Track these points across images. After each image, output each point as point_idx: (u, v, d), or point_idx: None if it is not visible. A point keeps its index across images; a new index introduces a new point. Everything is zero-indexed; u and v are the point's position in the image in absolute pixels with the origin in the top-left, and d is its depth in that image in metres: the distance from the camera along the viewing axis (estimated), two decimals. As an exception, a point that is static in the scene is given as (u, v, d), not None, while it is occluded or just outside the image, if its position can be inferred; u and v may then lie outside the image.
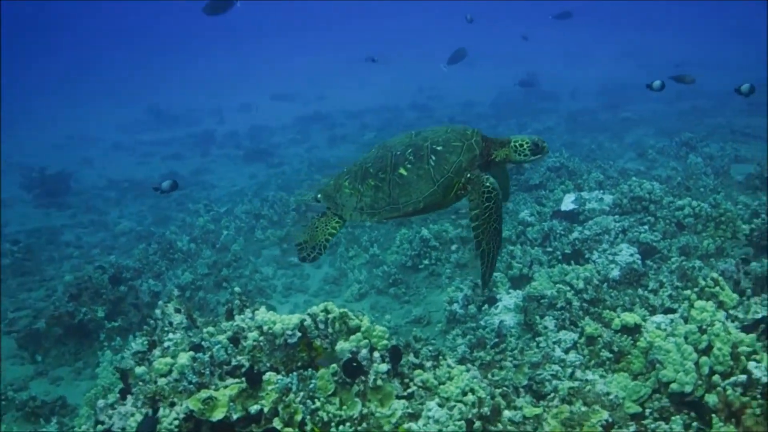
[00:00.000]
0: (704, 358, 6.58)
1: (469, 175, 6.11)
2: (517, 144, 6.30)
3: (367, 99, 41.66)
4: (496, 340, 8.49)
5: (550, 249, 11.48)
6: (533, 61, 46.47)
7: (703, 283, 7.87)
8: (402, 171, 6.16)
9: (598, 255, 10.79)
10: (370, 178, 6.32)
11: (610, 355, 7.70)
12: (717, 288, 7.80)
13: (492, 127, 30.33)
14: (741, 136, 22.91)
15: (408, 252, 13.98)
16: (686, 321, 7.23)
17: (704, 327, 6.83)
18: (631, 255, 10.61)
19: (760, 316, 7.57)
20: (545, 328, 8.64)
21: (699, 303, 7.07)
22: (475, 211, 6.06)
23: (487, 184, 6.07)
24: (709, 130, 24.33)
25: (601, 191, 13.73)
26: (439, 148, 6.14)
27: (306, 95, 47.36)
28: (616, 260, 10.47)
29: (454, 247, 13.78)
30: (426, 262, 13.74)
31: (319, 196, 6.82)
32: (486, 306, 10.17)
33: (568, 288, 9.26)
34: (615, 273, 10.14)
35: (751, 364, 6.39)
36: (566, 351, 8.12)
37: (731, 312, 7.74)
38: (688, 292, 7.92)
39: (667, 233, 11.59)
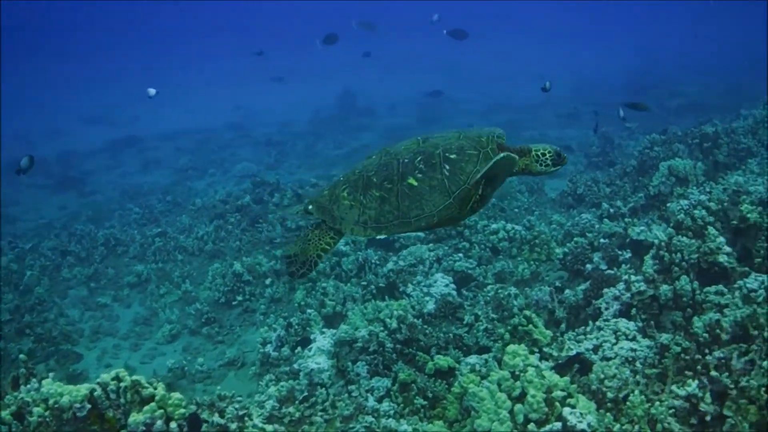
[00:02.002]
0: (519, 406, 6.26)
1: (483, 182, 5.48)
2: (539, 153, 5.81)
3: (180, 120, 40.20)
4: (306, 394, 7.94)
5: (364, 282, 11.06)
6: (350, 75, 46.42)
7: (516, 320, 7.62)
8: (412, 181, 5.46)
9: (413, 288, 10.43)
10: (374, 189, 5.57)
11: (425, 402, 7.34)
12: (530, 326, 7.57)
13: (310, 145, 29.94)
14: (554, 150, 23.26)
15: (221, 287, 13.36)
16: (500, 363, 6.94)
17: (517, 373, 6.53)
18: (446, 285, 10.31)
19: (573, 353, 7.38)
20: (357, 375, 8.17)
21: (511, 348, 6.77)
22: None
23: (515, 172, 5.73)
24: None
25: (416, 217, 13.49)
26: (452, 156, 5.49)
27: (118, 117, 45.50)
28: (431, 292, 10.14)
29: (268, 281, 13.24)
30: (240, 297, 13.15)
31: (310, 207, 5.93)
32: (299, 348, 9.65)
33: (382, 327, 8.84)
34: (430, 306, 9.81)
35: (566, 411, 6.12)
36: (379, 399, 7.70)
37: (545, 350, 7.53)
38: (502, 330, 7.66)
39: (483, 259, 11.40)
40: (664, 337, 7.21)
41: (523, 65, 47.21)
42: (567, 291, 9.25)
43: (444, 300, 9.84)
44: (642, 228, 10.31)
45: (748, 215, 8.71)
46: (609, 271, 9.37)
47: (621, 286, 8.36)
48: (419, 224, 5.47)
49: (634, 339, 7.46)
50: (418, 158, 5.50)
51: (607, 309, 8.20)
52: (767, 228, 8.64)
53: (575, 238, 11.00)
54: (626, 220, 11.12)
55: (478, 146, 5.50)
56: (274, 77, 38.16)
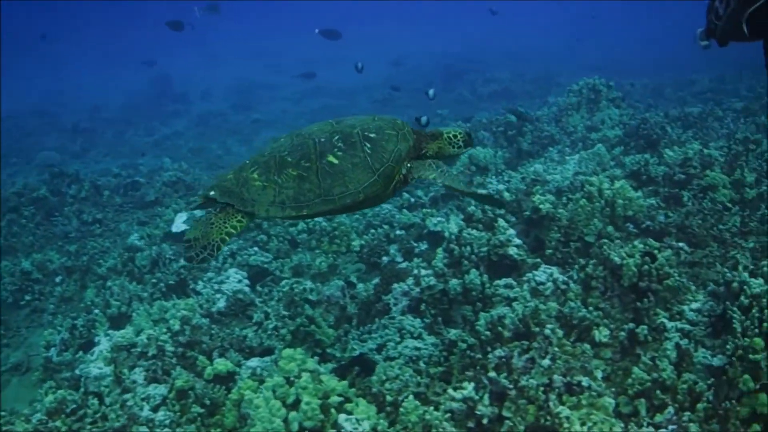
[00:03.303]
0: (293, 414, 5.92)
1: (409, 165, 5.48)
2: (451, 135, 5.86)
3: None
4: (75, 405, 7.33)
5: (154, 280, 10.47)
6: (164, 60, 45.20)
7: (298, 321, 7.30)
8: (331, 159, 5.20)
9: (204, 284, 9.93)
10: (290, 168, 5.21)
11: (202, 410, 6.90)
12: (312, 326, 7.25)
13: (120, 132, 28.86)
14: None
15: (8, 286, 12.46)
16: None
17: (292, 379, 6.19)
18: (240, 281, 9.84)
19: (357, 353, 7.12)
20: (134, 382, 7.60)
21: (286, 352, 6.41)
22: (439, 179, 5.42)
23: (429, 161, 5.57)
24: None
25: (216, 209, 12.96)
26: (372, 135, 5.37)
27: None
28: (222, 289, 9.65)
29: (58, 279, 12.44)
30: (28, 297, 12.28)
31: (212, 193, 5.35)
32: (81, 352, 9.03)
33: (165, 330, 8.30)
34: (221, 304, 9.32)
35: (341, 417, 5.84)
36: (155, 408, 7.19)
37: (329, 351, 7.24)
38: (285, 331, 7.32)
39: (281, 252, 10.99)
40: (453, 333, 7.04)
41: (343, 50, 47.17)
42: (360, 286, 8.97)
43: (235, 297, 9.40)
44: (439, 219, 10.17)
45: (540, 206, 8.68)
46: (402, 265, 9.17)
47: (410, 280, 8.15)
48: (344, 202, 5.24)
49: (419, 337, 7.26)
50: (336, 137, 5.33)
51: (396, 305, 7.97)
52: (559, 218, 8.64)
53: (372, 230, 10.76)
54: (424, 210, 10.95)
55: (395, 127, 5.49)
56: (145, 61, 36.72)
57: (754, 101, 16.71)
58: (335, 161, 5.22)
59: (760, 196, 9.42)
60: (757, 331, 5.45)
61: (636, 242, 7.10)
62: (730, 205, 9.33)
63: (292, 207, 5.21)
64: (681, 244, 8.40)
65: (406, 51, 45.73)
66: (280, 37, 62.23)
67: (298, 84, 35.33)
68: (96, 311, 10.03)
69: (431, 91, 15.64)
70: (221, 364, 7.27)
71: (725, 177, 9.66)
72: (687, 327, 6.40)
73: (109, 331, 9.37)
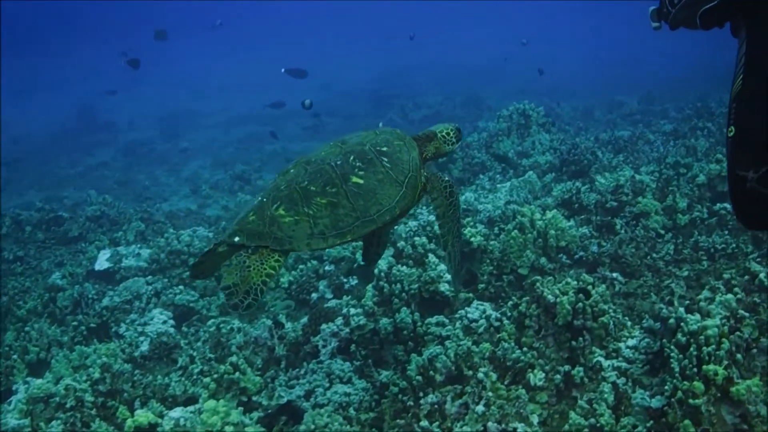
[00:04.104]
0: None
1: (425, 173, 5.44)
2: (444, 134, 5.81)
3: None
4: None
5: (75, 322, 10.04)
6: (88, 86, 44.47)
7: (222, 368, 6.97)
8: (356, 179, 5.04)
9: (126, 327, 9.54)
10: (317, 197, 4.96)
11: (124, 467, 6.55)
12: (237, 374, 6.93)
13: (43, 163, 28.14)
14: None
15: None
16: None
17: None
18: (164, 322, 9.49)
19: (284, 401, 6.82)
20: (49, 438, 7.21)
21: (209, 404, 6.14)
22: (440, 209, 5.46)
23: (446, 179, 5.51)
24: (266, 159, 24.22)
25: (140, 245, 12.56)
26: (384, 148, 5.29)
27: None
28: (146, 331, 9.28)
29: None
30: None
31: (237, 239, 4.92)
32: (-2, 401, 8.58)
33: (85, 378, 7.90)
34: (144, 347, 8.94)
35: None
36: (74, 466, 6.82)
37: (255, 399, 6.93)
38: (208, 379, 6.99)
39: (208, 290, 10.65)
40: (384, 375, 6.80)
41: (271, 76, 47.14)
42: (288, 325, 8.67)
43: (159, 339, 9.02)
44: (371, 252, 9.91)
45: (472, 239, 8.51)
46: (331, 302, 8.91)
47: (339, 320, 7.89)
48: (384, 219, 5.12)
49: (349, 381, 7.00)
50: (351, 157, 5.20)
51: (325, 347, 7.70)
52: (492, 251, 8.48)
53: (300, 265, 10.48)
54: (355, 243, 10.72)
55: (398, 138, 5.49)
56: (107, 90, 35.99)
57: (683, 123, 16.79)
58: (361, 181, 5.10)
59: (692, 222, 9.36)
60: (695, 371, 5.27)
61: (569, 278, 6.91)
62: (663, 232, 9.26)
63: (334, 235, 5.01)
64: (615, 275, 8.29)
65: (335, 73, 45.58)
66: (203, 61, 61.85)
67: (223, 112, 35.03)
68: (14, 356, 9.58)
69: (381, 125, 15.80)
70: (142, 416, 6.91)
71: (657, 203, 9.58)
72: (624, 365, 6.22)
73: (28, 378, 8.95)
